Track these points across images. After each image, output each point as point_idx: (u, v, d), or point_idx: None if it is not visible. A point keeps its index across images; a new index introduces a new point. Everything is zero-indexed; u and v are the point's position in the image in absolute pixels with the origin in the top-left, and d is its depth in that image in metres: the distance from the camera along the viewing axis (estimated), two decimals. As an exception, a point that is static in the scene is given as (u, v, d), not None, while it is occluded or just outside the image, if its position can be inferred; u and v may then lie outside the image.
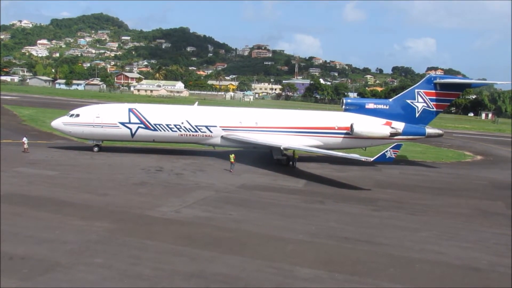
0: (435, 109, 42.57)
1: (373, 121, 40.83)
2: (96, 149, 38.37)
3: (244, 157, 39.44)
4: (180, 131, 38.51)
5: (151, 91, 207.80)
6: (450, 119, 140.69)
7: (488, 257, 18.72)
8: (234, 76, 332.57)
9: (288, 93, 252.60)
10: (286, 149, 36.83)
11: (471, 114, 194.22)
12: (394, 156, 32.31)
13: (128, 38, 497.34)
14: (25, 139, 36.34)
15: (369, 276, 16.17)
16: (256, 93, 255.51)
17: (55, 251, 16.38)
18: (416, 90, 42.40)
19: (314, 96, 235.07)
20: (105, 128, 37.65)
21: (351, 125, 39.82)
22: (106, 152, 38.22)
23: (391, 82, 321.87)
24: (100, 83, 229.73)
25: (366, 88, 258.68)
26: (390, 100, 44.18)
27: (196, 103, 46.75)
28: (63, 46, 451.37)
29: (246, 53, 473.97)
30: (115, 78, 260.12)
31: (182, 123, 38.43)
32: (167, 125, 38.24)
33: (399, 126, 41.01)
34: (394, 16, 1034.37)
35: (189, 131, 38.59)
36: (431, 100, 42.12)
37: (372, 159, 31.85)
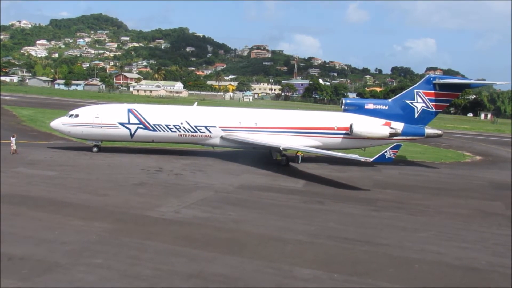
0: (434, 110, 42.53)
1: (373, 122, 40.83)
2: (95, 149, 38.32)
3: (243, 157, 39.48)
4: (179, 131, 38.50)
5: (150, 91, 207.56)
6: (449, 119, 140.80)
7: (487, 258, 18.73)
8: (233, 76, 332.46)
9: (287, 93, 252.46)
10: (285, 149, 36.83)
11: (470, 115, 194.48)
12: (393, 157, 32.32)
13: (127, 38, 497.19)
14: (13, 140, 34.66)
15: (369, 276, 16.17)
16: (255, 93, 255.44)
17: (54, 252, 16.37)
18: (415, 91, 42.38)
19: (313, 96, 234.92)
20: (104, 129, 37.61)
21: (351, 126, 39.82)
22: (105, 153, 38.18)
23: (390, 83, 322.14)
24: (99, 83, 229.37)
25: (365, 88, 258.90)
26: (389, 100, 44.20)
27: (195, 103, 46.76)
28: (62, 46, 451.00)
29: (245, 54, 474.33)
30: (114, 78, 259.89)
31: (182, 123, 38.42)
32: (166, 125, 38.22)
33: (399, 126, 41.00)
34: (397, 16, 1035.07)
35: (188, 132, 38.58)
36: (430, 100, 42.10)
37: (371, 159, 31.87)
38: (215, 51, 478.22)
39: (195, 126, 38.54)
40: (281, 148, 36.17)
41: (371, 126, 40.28)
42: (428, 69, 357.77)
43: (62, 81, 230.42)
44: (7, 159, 32.41)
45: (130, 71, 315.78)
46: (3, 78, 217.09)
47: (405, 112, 41.98)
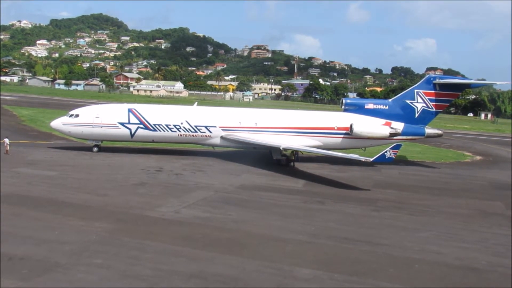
0: (434, 110, 42.53)
1: (373, 122, 40.82)
2: (95, 149, 38.33)
3: (243, 157, 39.48)
4: (179, 131, 38.49)
5: (151, 91, 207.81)
6: (450, 119, 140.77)
7: (487, 258, 18.72)
8: (233, 76, 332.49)
9: (287, 93, 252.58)
10: (285, 149, 36.82)
11: (471, 115, 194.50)
12: (393, 157, 32.32)
13: (128, 38, 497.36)
14: (6, 140, 34.75)
15: (369, 276, 16.17)
16: (255, 93, 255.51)
17: (54, 252, 16.37)
18: (415, 91, 42.39)
19: (313, 96, 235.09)
20: (104, 129, 37.61)
21: (351, 125, 39.81)
22: (105, 153, 38.19)
23: (391, 83, 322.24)
24: (100, 83, 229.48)
25: (366, 88, 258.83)
26: (390, 100, 44.17)
27: (196, 103, 46.73)
28: (63, 46, 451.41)
29: (245, 53, 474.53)
30: (115, 78, 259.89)
31: (182, 123, 38.41)
32: (166, 125, 38.22)
33: (399, 126, 40.99)
34: (398, 16, 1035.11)
35: (188, 132, 38.57)
36: (431, 100, 42.10)
37: (371, 159, 31.86)
38: (215, 51, 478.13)
39: (195, 126, 38.54)
40: (281, 148, 36.16)
41: (371, 126, 40.27)
42: (428, 69, 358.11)
43: (62, 81, 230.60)
44: (7, 159, 32.45)
45: (130, 71, 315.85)
46: (3, 78, 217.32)
47: (405, 112, 41.97)
